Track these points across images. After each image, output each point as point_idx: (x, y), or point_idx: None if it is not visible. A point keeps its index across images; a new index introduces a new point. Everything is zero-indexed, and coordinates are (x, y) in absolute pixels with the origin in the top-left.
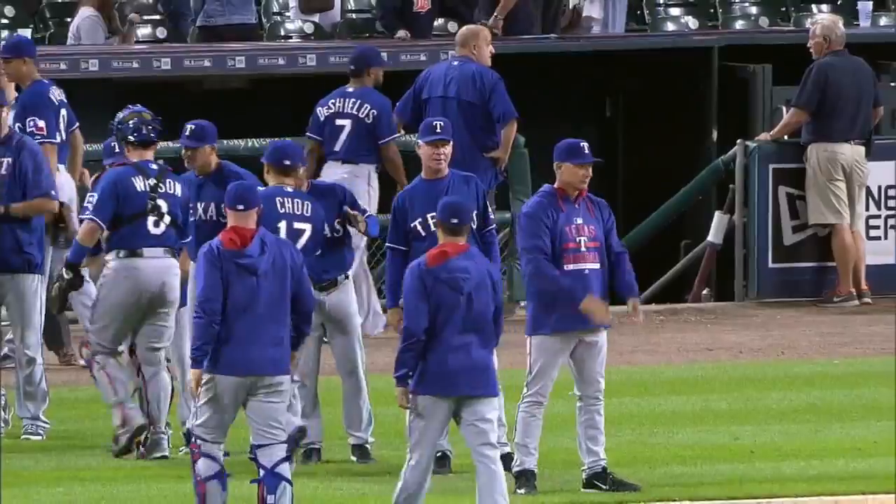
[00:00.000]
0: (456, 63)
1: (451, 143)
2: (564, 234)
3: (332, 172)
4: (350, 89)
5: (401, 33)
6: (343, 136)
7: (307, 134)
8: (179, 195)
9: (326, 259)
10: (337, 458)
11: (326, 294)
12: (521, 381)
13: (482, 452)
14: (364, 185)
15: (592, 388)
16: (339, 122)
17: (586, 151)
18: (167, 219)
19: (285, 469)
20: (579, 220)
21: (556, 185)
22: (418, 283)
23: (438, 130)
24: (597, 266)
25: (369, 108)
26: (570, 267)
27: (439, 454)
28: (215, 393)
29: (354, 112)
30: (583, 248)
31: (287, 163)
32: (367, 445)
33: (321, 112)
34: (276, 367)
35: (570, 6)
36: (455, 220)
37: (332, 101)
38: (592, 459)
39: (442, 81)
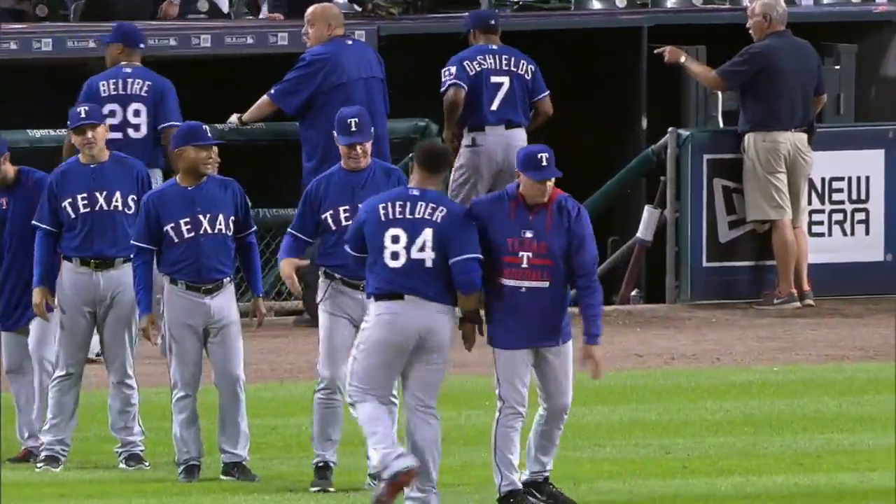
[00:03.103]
0: (350, 42)
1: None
2: (504, 246)
3: (494, 140)
4: (494, 46)
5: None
6: (501, 94)
7: (454, 82)
8: None
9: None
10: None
11: None
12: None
13: None
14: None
15: None
16: (494, 78)
17: (545, 164)
18: None
19: None
20: (528, 234)
21: (518, 190)
22: None
23: (354, 129)
24: (545, 284)
25: (525, 63)
26: (507, 282)
27: (321, 464)
28: None
29: (513, 69)
30: (524, 265)
31: None
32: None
33: (469, 66)
34: None
35: None
36: None
37: (481, 56)
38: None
39: (356, 62)
